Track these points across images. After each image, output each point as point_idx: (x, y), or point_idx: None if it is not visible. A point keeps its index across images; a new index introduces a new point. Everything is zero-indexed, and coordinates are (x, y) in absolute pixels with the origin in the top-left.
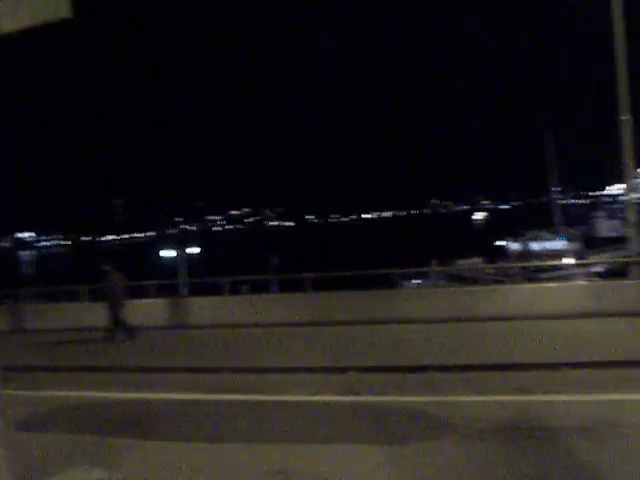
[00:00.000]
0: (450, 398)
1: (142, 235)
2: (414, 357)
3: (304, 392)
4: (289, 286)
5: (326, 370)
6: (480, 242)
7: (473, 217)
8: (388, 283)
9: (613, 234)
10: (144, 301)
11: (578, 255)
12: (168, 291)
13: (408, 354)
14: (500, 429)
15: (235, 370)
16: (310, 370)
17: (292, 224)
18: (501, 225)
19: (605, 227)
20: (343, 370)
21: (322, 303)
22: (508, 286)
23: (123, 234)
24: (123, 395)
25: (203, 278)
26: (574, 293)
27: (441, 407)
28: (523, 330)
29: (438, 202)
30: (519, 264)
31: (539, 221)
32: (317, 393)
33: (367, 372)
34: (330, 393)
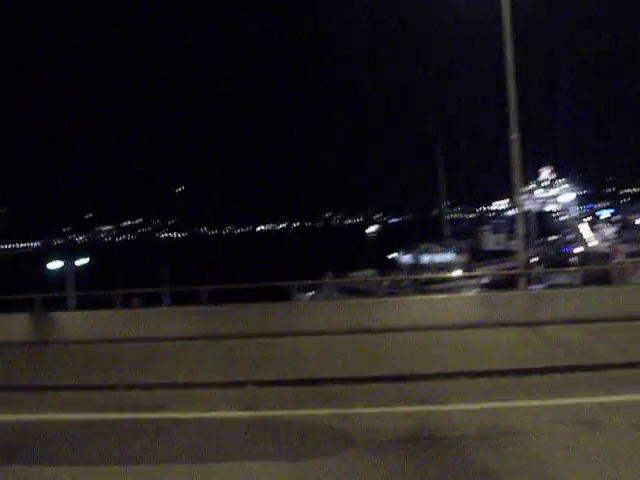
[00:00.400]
0: (350, 410)
1: (26, 245)
2: (312, 370)
3: (200, 408)
4: (182, 299)
5: (222, 385)
6: (373, 255)
7: (367, 230)
8: (283, 295)
9: (498, 247)
10: (22, 316)
11: (466, 267)
12: (55, 304)
13: (306, 367)
14: (401, 440)
15: (127, 387)
16: (206, 385)
17: (184, 235)
18: (393, 238)
19: (491, 240)
20: (240, 384)
21: (217, 316)
22: (401, 298)
23: (6, 244)
24: None
25: (92, 291)
26: (465, 304)
27: (341, 420)
28: (418, 341)
29: (331, 215)
30: (411, 276)
31: (430, 234)
32: (214, 409)
33: (265, 386)
34: (228, 409)
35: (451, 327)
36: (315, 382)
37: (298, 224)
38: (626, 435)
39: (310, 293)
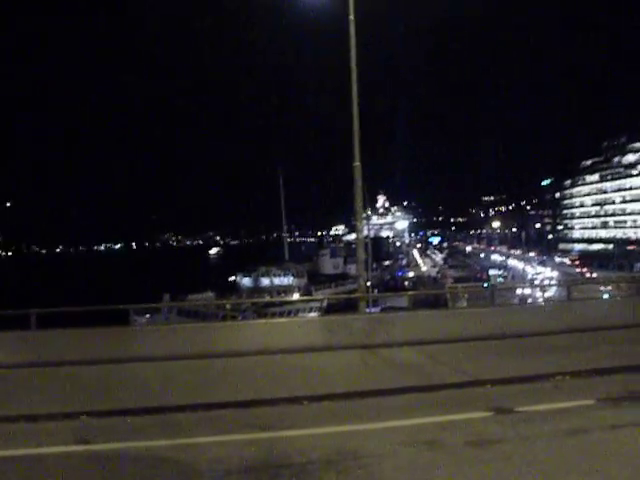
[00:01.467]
0: (192, 440)
1: None
2: (151, 398)
3: (27, 444)
4: (8, 323)
5: (53, 417)
6: (213, 277)
7: (210, 252)
8: (120, 319)
9: (336, 271)
10: None
11: (305, 290)
12: None
13: (144, 395)
14: (247, 469)
15: None
16: (34, 418)
17: (10, 254)
18: (234, 260)
19: (329, 264)
20: (73, 416)
21: (48, 342)
22: (243, 322)
23: None
24: None
25: None
26: (307, 327)
27: (183, 450)
28: (261, 365)
29: (171, 235)
30: (251, 300)
31: (270, 257)
32: (41, 445)
33: (100, 417)
34: (58, 443)
35: (294, 351)
36: (155, 411)
37: (136, 244)
38: (464, 452)
39: (147, 316)
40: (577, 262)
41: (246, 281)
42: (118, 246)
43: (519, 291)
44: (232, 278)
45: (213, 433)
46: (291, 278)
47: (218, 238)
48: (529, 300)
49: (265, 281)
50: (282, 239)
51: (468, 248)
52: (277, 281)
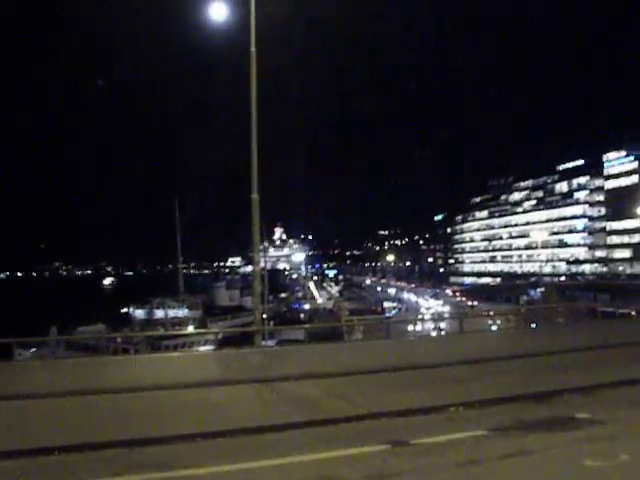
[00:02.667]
0: None
1: None
2: (33, 438)
3: None
4: None
5: None
6: (105, 308)
7: (104, 282)
8: (2, 353)
9: (232, 303)
10: None
11: (200, 322)
12: None
13: (26, 435)
14: None
15: None
16: None
17: None
18: (128, 292)
19: (225, 296)
20: None
21: None
22: (136, 356)
23: None
24: None
25: None
26: (202, 361)
27: None
28: (153, 401)
29: (61, 265)
30: (144, 333)
31: (165, 289)
32: None
33: None
34: None
35: (188, 385)
36: (38, 452)
37: (23, 274)
38: None
39: (33, 350)
40: (457, 293)
41: (139, 313)
42: (2, 275)
43: (410, 327)
44: (125, 310)
45: (102, 475)
46: (186, 310)
47: (110, 268)
48: (423, 332)
49: (159, 313)
50: (177, 270)
51: (367, 281)
52: (171, 313)
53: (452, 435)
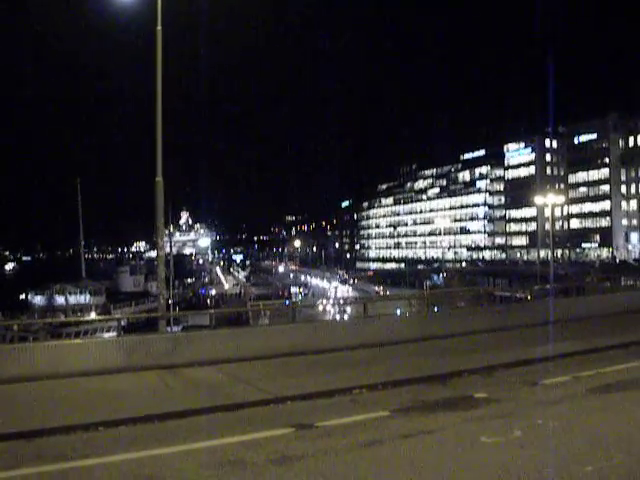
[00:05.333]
0: None
1: None
2: None
3: None
4: None
5: None
6: (2, 295)
7: (6, 267)
8: None
9: (136, 288)
10: None
11: (103, 309)
12: None
13: None
14: None
15: None
16: None
17: None
18: (26, 278)
19: (129, 282)
20: None
21: None
22: (34, 344)
23: None
24: None
25: None
26: (104, 348)
27: None
28: (52, 390)
29: None
30: (43, 320)
31: (66, 274)
32: None
33: None
34: None
35: (90, 373)
36: None
37: None
38: (267, 471)
39: None
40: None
41: (39, 299)
42: None
43: (320, 308)
44: (23, 296)
45: None
46: (88, 296)
47: (7, 253)
48: (328, 317)
49: (60, 299)
50: (79, 255)
51: (280, 268)
52: (73, 299)
53: (355, 417)
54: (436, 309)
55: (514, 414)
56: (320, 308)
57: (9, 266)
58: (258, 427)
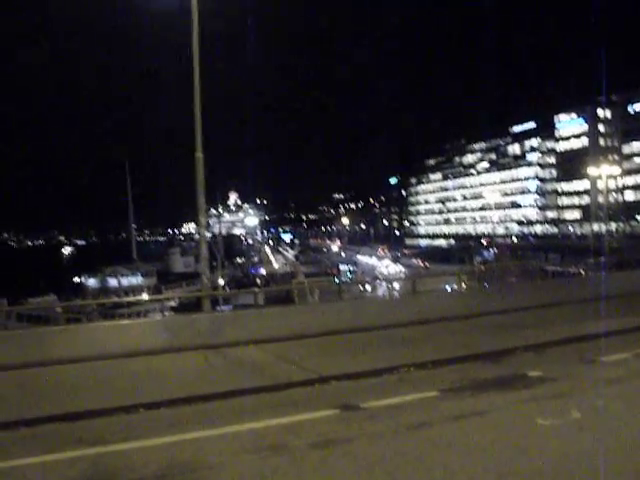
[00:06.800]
0: (10, 463)
1: None
2: None
3: None
4: None
5: None
6: (57, 279)
7: (63, 252)
8: None
9: (187, 269)
10: None
11: (154, 290)
12: None
13: None
14: None
15: None
16: None
17: None
18: (81, 261)
19: (180, 263)
20: None
21: None
22: (84, 325)
23: None
24: None
25: None
26: (150, 329)
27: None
28: (97, 372)
29: (11, 235)
30: (96, 301)
31: (118, 257)
32: None
33: None
34: None
35: (135, 354)
36: None
37: None
38: (309, 456)
39: None
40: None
41: (92, 282)
42: None
43: (368, 286)
44: (77, 279)
45: (35, 453)
46: (140, 278)
47: (63, 238)
48: (376, 294)
49: (112, 281)
50: (130, 238)
51: (334, 248)
52: (125, 281)
53: (403, 397)
54: (486, 285)
55: (571, 394)
56: (367, 286)
57: (67, 250)
58: (302, 408)
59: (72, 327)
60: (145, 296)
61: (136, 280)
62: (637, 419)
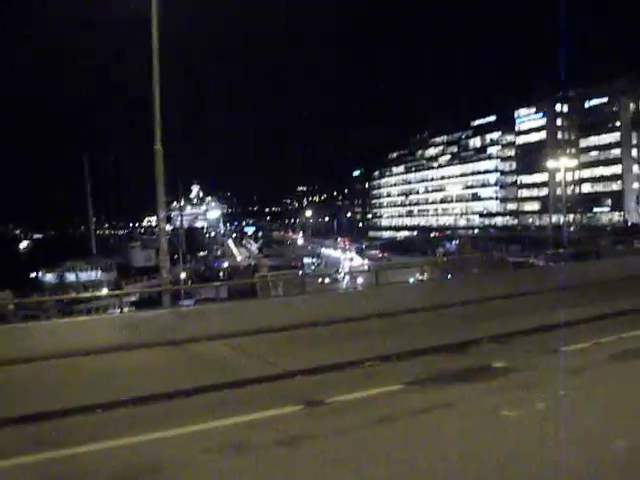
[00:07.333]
0: None
1: None
2: None
3: None
4: None
5: None
6: (13, 274)
7: (20, 246)
8: None
9: (148, 263)
10: None
11: (114, 285)
12: None
13: None
14: None
15: None
16: None
17: None
18: (38, 256)
19: (140, 257)
20: None
21: None
22: (39, 323)
23: None
24: None
25: None
26: (109, 325)
27: None
28: (53, 371)
29: None
30: (53, 297)
31: (77, 252)
32: None
33: None
34: None
35: (93, 352)
36: None
37: None
38: (273, 453)
39: None
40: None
41: (50, 277)
42: None
43: (328, 280)
44: (34, 274)
45: None
46: (99, 272)
47: (18, 232)
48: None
49: (71, 276)
50: (89, 232)
51: (300, 241)
52: (84, 276)
53: (368, 391)
54: (449, 276)
55: (535, 384)
56: (328, 280)
57: (24, 244)
58: (265, 404)
59: (28, 325)
60: (105, 291)
61: (95, 275)
62: (598, 409)
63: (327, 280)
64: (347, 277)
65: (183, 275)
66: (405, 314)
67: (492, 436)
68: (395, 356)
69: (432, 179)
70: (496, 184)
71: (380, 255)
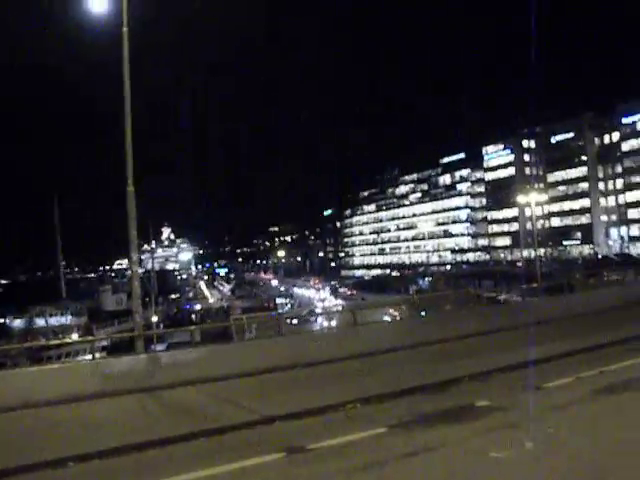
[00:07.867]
0: None
1: None
2: None
3: None
4: None
5: None
6: None
7: None
8: None
9: (119, 307)
10: None
11: (85, 329)
12: None
13: None
14: None
15: None
16: None
17: None
18: (5, 300)
19: (111, 301)
20: None
21: None
22: (6, 371)
23: None
24: None
25: None
26: (76, 373)
27: None
28: (20, 423)
29: None
30: (21, 345)
31: (47, 296)
32: None
33: None
34: None
35: (63, 401)
36: None
37: None
38: None
39: None
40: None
41: (18, 323)
42: None
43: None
44: (1, 320)
45: None
46: (69, 317)
47: None
48: (316, 327)
49: (40, 322)
50: (58, 276)
51: (274, 282)
52: (53, 321)
53: (351, 436)
54: (423, 313)
55: (521, 423)
56: (295, 321)
57: None
58: (245, 453)
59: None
60: (75, 336)
61: (65, 320)
62: (588, 446)
63: (295, 321)
64: (320, 318)
65: (155, 318)
66: (383, 354)
67: (484, 479)
68: (376, 398)
69: (403, 217)
70: (467, 220)
71: (349, 293)
